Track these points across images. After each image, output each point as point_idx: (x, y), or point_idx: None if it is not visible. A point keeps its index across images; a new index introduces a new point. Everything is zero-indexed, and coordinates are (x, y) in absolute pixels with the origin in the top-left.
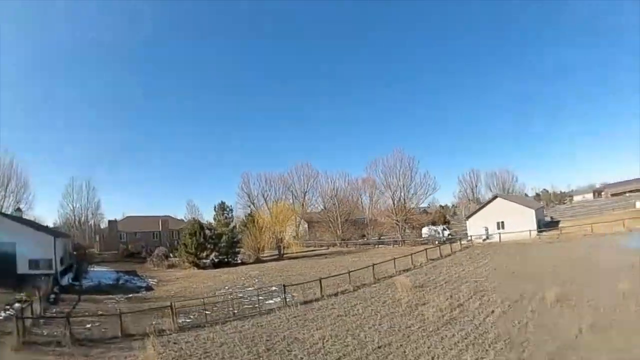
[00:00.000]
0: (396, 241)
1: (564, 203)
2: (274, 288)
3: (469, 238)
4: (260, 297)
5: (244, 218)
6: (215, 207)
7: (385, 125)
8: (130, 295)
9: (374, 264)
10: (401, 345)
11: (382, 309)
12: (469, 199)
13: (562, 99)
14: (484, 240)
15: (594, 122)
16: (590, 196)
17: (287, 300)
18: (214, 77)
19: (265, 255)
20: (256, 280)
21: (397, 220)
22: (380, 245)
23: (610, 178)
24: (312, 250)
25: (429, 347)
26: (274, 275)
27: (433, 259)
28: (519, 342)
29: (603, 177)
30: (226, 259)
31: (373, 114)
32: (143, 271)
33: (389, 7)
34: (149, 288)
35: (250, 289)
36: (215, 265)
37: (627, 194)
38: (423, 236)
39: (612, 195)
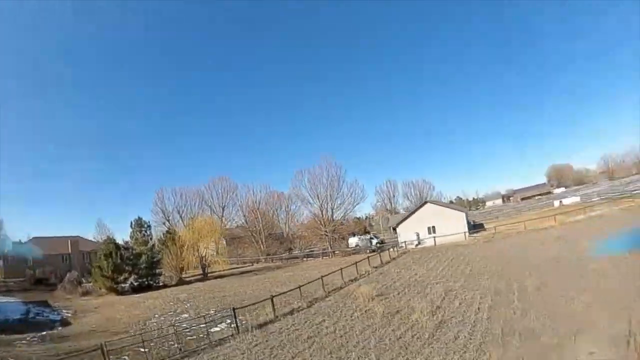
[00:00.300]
0: (325, 253)
1: (477, 209)
2: (212, 312)
3: (401, 244)
4: (202, 325)
5: (162, 236)
6: (131, 224)
7: (305, 138)
8: (45, 332)
9: (322, 276)
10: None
11: (356, 323)
12: (387, 209)
13: (469, 111)
14: (417, 245)
15: (497, 135)
16: (499, 201)
17: (238, 325)
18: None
19: (187, 275)
20: (188, 304)
21: (325, 231)
22: (308, 258)
23: (513, 184)
24: (237, 268)
25: (441, 355)
26: (206, 297)
27: (376, 267)
28: (532, 329)
29: (506, 184)
30: (147, 282)
31: (296, 125)
32: (55, 300)
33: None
34: (65, 322)
35: (185, 315)
36: (136, 290)
37: (537, 197)
38: (351, 246)
39: (522, 199)
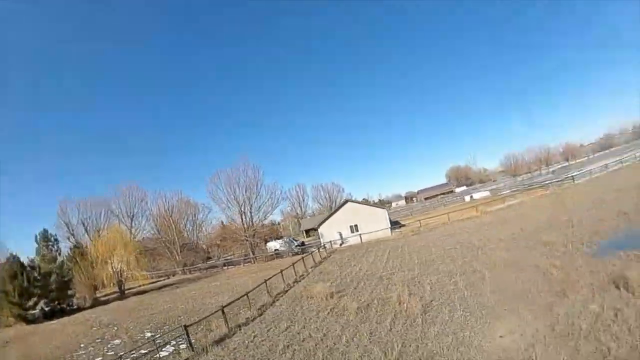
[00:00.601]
0: (247, 259)
1: (384, 209)
2: (149, 334)
3: (324, 245)
4: (143, 352)
5: (69, 252)
6: (36, 238)
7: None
8: None
9: (266, 280)
10: (415, 345)
11: (329, 323)
12: (297, 213)
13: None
14: (341, 244)
15: (399, 138)
16: (402, 202)
17: (192, 344)
18: None
19: (101, 295)
20: (115, 328)
21: (246, 236)
22: (229, 267)
23: (411, 187)
24: (154, 282)
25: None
26: (134, 318)
27: (312, 267)
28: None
29: (405, 187)
30: (59, 306)
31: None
32: None
33: None
34: None
35: (117, 342)
36: (48, 316)
37: (440, 196)
38: (271, 250)
39: (426, 198)
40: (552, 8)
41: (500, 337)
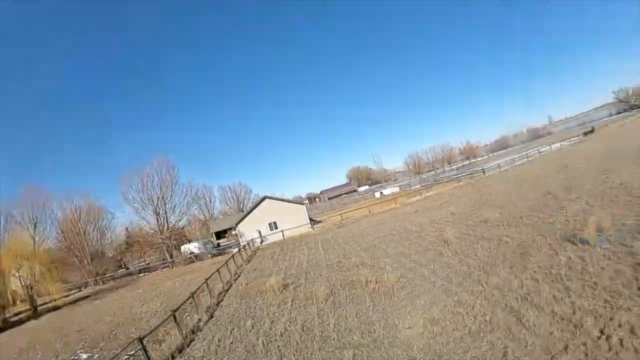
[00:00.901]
0: (165, 264)
1: (302, 204)
2: (85, 356)
3: (248, 243)
4: None
5: None
6: None
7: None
8: None
9: (206, 279)
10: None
11: (300, 315)
12: (204, 215)
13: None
14: (261, 242)
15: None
16: (307, 203)
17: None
18: None
19: (10, 315)
20: (39, 354)
21: (162, 239)
22: (145, 273)
23: (311, 188)
24: (66, 296)
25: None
26: (60, 337)
27: (240, 266)
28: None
29: (305, 188)
30: None
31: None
32: None
33: None
34: None
35: None
36: None
37: (344, 195)
38: (186, 253)
39: (329, 198)
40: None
41: (501, 282)
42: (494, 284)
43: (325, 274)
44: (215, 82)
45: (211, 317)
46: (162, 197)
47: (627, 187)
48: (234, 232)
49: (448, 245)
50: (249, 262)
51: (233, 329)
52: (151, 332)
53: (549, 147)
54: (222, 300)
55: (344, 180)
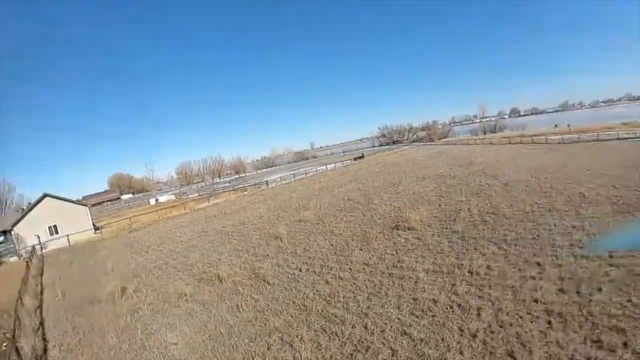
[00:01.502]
0: None
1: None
2: None
3: (21, 252)
4: None
5: None
6: None
7: None
8: None
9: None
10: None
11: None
12: None
13: None
14: (42, 250)
15: None
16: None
17: None
18: None
19: None
20: None
21: None
22: None
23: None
24: None
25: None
26: None
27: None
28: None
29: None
30: None
31: None
32: None
33: None
34: None
35: None
36: None
37: (107, 202)
38: None
39: (93, 205)
40: None
41: (361, 259)
42: (358, 261)
43: (162, 278)
44: None
45: None
46: None
47: (420, 194)
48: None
49: (281, 240)
50: (42, 274)
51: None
52: None
53: (324, 167)
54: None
55: (103, 188)
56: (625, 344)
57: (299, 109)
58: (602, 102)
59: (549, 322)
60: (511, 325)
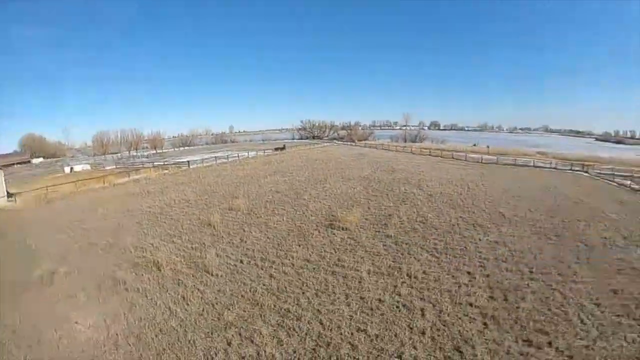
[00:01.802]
0: None
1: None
2: None
3: None
4: None
5: None
6: None
7: None
8: None
9: None
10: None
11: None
12: None
13: None
14: None
15: None
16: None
17: None
18: None
19: None
20: None
21: None
22: None
23: None
24: None
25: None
26: None
27: None
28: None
29: None
30: None
31: None
32: None
33: None
34: None
35: None
36: None
37: (16, 165)
38: None
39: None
40: None
41: (301, 255)
42: (299, 257)
43: (94, 260)
44: None
45: None
46: None
47: (349, 195)
48: None
49: (214, 228)
50: None
51: None
52: None
53: (246, 153)
54: None
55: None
56: (549, 343)
57: (220, 87)
58: (520, 129)
59: (485, 324)
60: (453, 324)
